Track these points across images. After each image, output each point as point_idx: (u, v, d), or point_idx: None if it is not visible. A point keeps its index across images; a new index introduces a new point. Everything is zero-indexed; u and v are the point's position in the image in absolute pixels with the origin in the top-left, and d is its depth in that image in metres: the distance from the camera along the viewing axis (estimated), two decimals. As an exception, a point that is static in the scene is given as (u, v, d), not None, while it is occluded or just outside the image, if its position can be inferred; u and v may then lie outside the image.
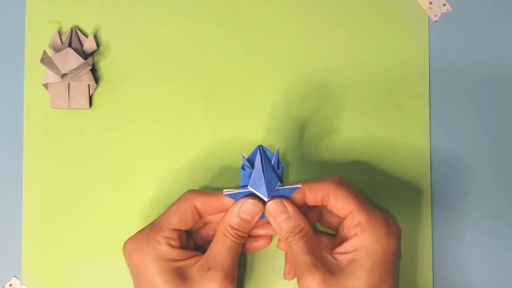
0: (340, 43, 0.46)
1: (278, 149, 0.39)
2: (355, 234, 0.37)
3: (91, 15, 0.46)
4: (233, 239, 0.38)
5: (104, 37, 0.46)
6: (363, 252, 0.36)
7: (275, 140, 0.45)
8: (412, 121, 0.46)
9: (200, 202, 0.39)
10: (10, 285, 0.45)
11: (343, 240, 0.39)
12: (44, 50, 0.44)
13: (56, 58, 0.44)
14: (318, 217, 0.42)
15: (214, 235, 0.40)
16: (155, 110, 0.46)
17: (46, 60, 0.44)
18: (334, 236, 0.42)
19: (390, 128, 0.46)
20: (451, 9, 0.47)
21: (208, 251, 0.39)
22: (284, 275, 0.42)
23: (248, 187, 0.38)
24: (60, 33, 0.46)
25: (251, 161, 0.38)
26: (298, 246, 0.38)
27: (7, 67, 0.46)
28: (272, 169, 0.38)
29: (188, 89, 0.46)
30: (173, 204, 0.39)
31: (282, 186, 0.39)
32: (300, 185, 0.39)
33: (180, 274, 0.37)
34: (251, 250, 0.42)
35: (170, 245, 0.38)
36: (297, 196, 0.39)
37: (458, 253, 0.46)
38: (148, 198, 0.45)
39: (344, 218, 0.38)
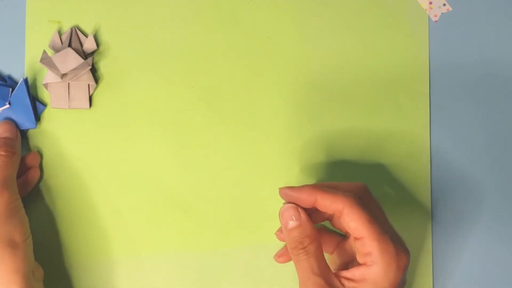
0: (340, 43, 0.46)
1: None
2: (364, 264, 0.37)
3: (91, 15, 0.46)
4: (4, 158, 0.41)
5: (104, 37, 0.46)
6: (370, 285, 0.36)
7: (274, 139, 0.45)
8: (412, 121, 0.46)
9: None
10: (10, 285, 0.45)
11: (351, 252, 0.40)
12: (44, 50, 0.44)
13: (56, 58, 0.44)
14: (329, 216, 0.41)
15: None
16: (155, 110, 0.46)
17: (46, 60, 0.44)
18: (343, 236, 0.42)
19: (390, 128, 0.46)
20: (451, 9, 0.47)
21: None
22: (275, 255, 0.43)
23: None
24: (60, 33, 0.46)
25: None
26: (308, 263, 0.37)
27: (7, 67, 0.46)
28: None
29: (188, 90, 0.46)
30: None
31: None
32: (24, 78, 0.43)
33: None
34: (25, 187, 0.43)
35: None
36: (307, 200, 0.38)
37: (458, 253, 0.46)
38: (148, 198, 0.45)
39: (355, 238, 0.38)
